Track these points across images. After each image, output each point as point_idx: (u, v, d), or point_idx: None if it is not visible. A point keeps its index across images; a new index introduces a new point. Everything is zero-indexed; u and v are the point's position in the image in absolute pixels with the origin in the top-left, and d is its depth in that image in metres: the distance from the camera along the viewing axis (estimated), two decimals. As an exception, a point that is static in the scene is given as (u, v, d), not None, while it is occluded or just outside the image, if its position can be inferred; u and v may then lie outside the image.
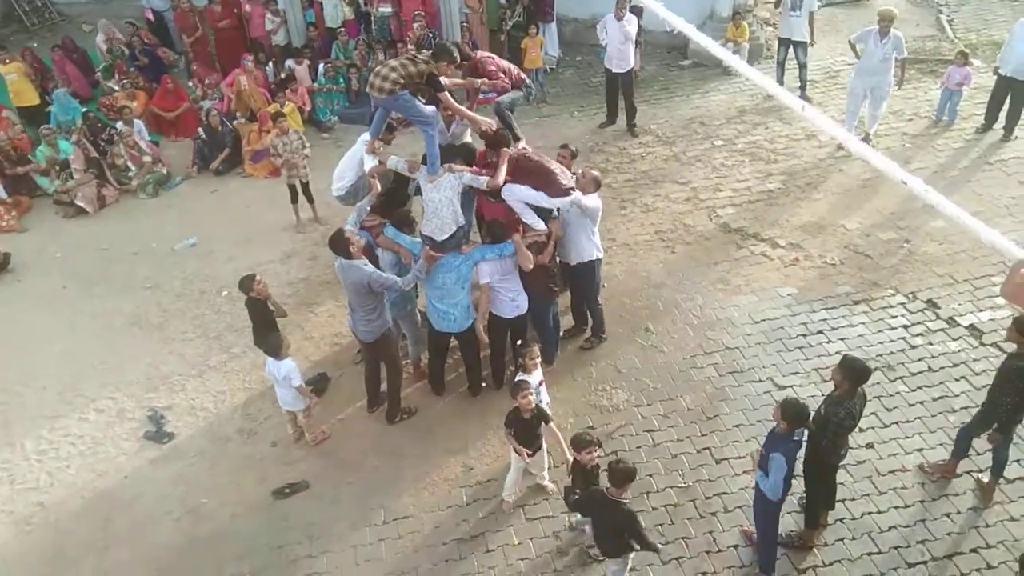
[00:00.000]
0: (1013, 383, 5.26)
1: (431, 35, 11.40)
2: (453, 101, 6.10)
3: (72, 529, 6.11)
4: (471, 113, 6.24)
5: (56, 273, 9.15)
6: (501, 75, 6.76)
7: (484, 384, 7.00)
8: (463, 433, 6.64)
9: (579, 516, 5.51)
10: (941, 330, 7.28)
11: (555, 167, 6.36)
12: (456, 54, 6.29)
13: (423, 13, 11.61)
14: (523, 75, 7.09)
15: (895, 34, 9.59)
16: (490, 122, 6.47)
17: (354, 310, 6.29)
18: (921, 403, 6.56)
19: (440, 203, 6.14)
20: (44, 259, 9.43)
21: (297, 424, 6.66)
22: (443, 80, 6.18)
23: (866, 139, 10.08)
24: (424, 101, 6.17)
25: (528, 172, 6.25)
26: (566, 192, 6.29)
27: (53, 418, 7.15)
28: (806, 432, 5.02)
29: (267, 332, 6.62)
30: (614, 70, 10.56)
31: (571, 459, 5.27)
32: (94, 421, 7.10)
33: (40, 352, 7.93)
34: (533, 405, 5.48)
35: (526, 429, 5.59)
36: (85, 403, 7.28)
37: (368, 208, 6.42)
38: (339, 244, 5.99)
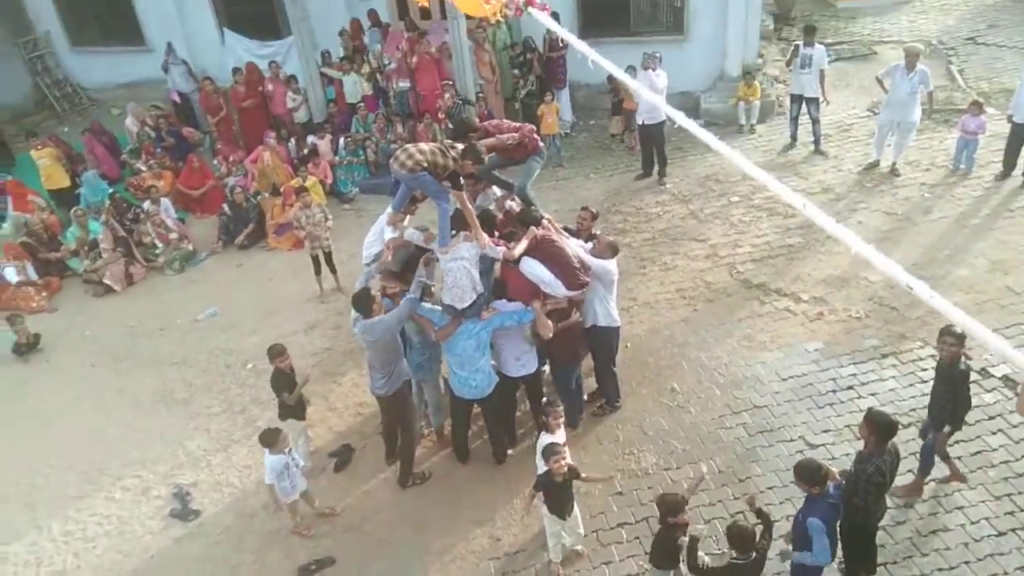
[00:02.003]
0: (945, 385, 5.69)
1: (460, 103, 11.68)
2: (467, 203, 6.26)
3: (97, 612, 6.06)
4: (477, 223, 6.31)
5: (84, 351, 9.28)
6: (514, 132, 6.90)
7: (510, 452, 6.92)
8: (490, 502, 6.54)
9: None
10: (974, 382, 7.07)
11: (573, 257, 6.35)
12: (483, 153, 6.40)
13: (452, 83, 11.92)
14: (537, 140, 7.10)
15: (921, 68, 9.98)
16: (487, 240, 6.30)
17: (372, 368, 6.44)
18: (959, 458, 6.36)
19: (458, 272, 6.18)
20: (73, 338, 9.58)
21: (314, 506, 6.58)
22: (482, 143, 6.48)
23: (893, 170, 10.52)
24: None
25: (548, 256, 6.27)
26: (581, 285, 6.35)
27: (79, 498, 7.15)
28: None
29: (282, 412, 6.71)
30: (646, 123, 10.77)
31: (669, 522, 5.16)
32: (120, 500, 7.09)
33: (67, 431, 7.99)
34: (566, 468, 5.42)
35: (559, 492, 5.51)
36: (111, 482, 7.29)
37: (375, 274, 6.66)
38: (363, 301, 6.25)
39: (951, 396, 5.66)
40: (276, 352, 6.69)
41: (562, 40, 10.07)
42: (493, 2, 2.71)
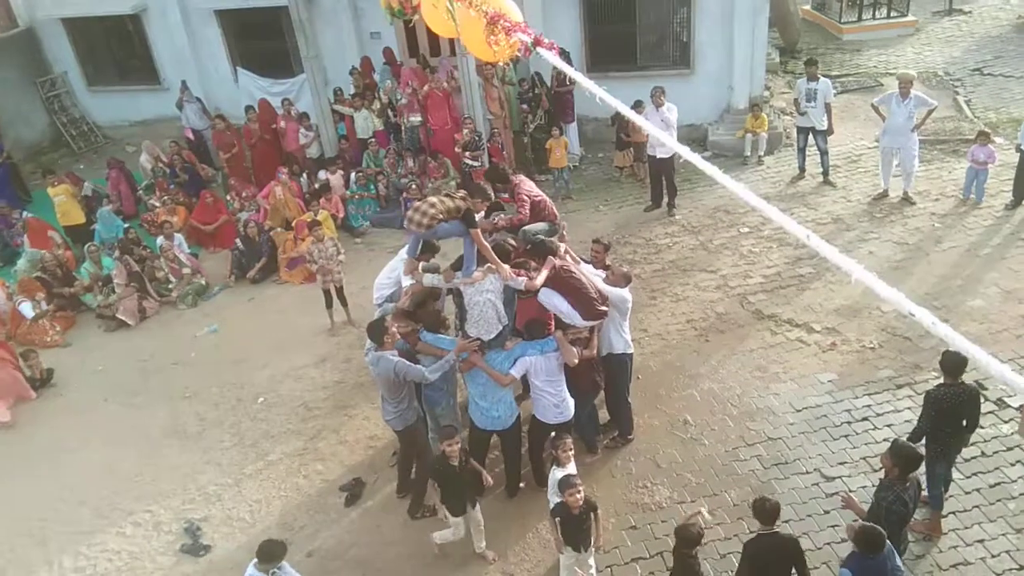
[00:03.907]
0: (927, 410, 5.76)
1: (477, 138, 11.82)
2: (483, 240, 6.35)
3: (107, 650, 6.00)
4: (496, 257, 6.31)
5: (97, 386, 9.31)
6: (526, 206, 7.03)
7: (522, 484, 6.87)
8: (502, 537, 6.48)
9: None
10: (991, 412, 7.04)
11: (591, 288, 6.38)
12: (490, 191, 6.55)
13: (470, 118, 12.05)
14: (555, 212, 7.31)
15: (915, 94, 10.16)
16: (509, 272, 6.31)
17: (384, 400, 6.49)
18: (978, 490, 6.30)
19: (484, 305, 6.26)
20: (85, 373, 9.61)
21: None
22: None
23: (906, 198, 10.60)
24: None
25: (566, 287, 6.29)
26: (599, 316, 6.38)
27: (90, 533, 7.13)
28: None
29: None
30: (657, 156, 10.86)
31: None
32: (131, 535, 7.06)
33: (79, 466, 7.99)
34: (582, 502, 5.38)
35: (575, 524, 5.47)
36: (122, 517, 7.27)
37: (391, 311, 6.68)
38: (376, 331, 6.29)
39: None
40: (447, 433, 5.94)
41: (569, 78, 10.23)
42: (502, 45, 2.76)
